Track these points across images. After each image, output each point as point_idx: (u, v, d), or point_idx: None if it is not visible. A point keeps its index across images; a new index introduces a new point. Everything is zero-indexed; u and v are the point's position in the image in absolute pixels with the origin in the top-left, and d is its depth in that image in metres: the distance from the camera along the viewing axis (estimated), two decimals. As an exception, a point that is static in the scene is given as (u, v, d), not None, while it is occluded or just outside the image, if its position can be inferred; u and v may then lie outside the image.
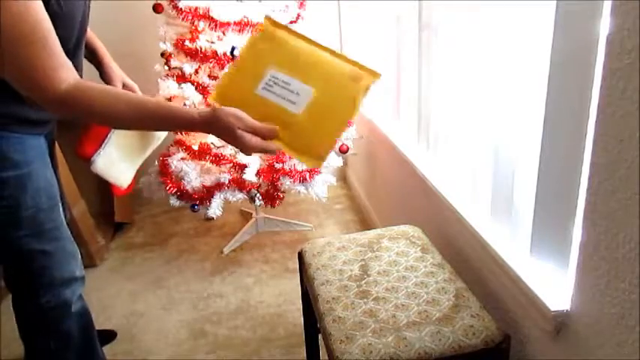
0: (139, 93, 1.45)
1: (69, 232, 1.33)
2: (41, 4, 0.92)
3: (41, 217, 1.21)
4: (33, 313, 1.33)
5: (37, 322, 1.34)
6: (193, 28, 2.17)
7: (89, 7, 1.21)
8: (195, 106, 2.17)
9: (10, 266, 1.27)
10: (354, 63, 1.03)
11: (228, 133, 0.97)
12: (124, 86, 1.41)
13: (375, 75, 1.01)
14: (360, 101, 0.97)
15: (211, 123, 0.98)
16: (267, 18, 1.08)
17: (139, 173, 2.41)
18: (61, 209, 1.29)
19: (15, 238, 1.20)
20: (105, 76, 1.41)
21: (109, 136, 1.32)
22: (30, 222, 1.20)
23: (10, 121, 1.12)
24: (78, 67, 1.18)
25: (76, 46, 1.17)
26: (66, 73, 0.96)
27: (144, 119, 1.01)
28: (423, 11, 1.68)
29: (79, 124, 1.25)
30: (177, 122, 1.02)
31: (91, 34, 1.38)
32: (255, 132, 0.97)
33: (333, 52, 1.05)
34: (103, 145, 1.32)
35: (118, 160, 1.35)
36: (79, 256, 1.37)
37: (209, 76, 2.21)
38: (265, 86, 1.00)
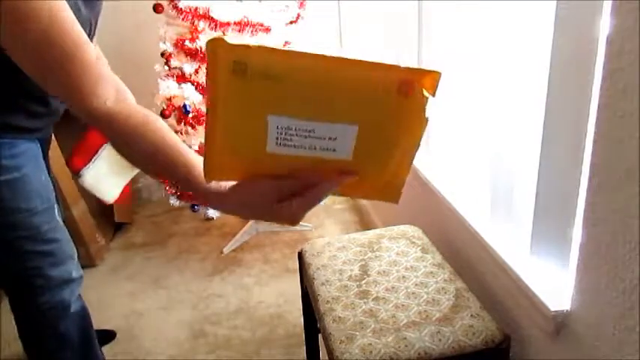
0: (132, 100, 1.44)
1: (66, 233, 1.33)
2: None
3: (36, 220, 1.21)
4: (31, 313, 1.33)
5: (35, 322, 1.34)
6: (193, 28, 2.17)
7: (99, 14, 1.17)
8: (195, 107, 2.17)
9: (6, 267, 1.27)
10: (395, 68, 0.64)
11: (258, 212, 0.72)
12: None
13: (430, 76, 0.65)
14: (423, 118, 0.66)
15: (230, 200, 0.73)
16: (214, 42, 0.62)
17: (139, 173, 2.41)
18: (56, 211, 1.28)
19: (10, 240, 1.20)
20: None
21: (100, 150, 1.31)
22: (25, 225, 1.20)
23: (1, 128, 1.12)
24: None
25: None
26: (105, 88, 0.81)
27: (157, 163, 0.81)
28: (422, 11, 1.68)
29: (78, 125, 1.25)
30: (188, 179, 0.77)
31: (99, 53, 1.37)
32: (295, 194, 0.69)
33: (351, 64, 0.64)
34: (93, 160, 1.31)
35: (107, 175, 1.34)
36: (77, 257, 1.37)
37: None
38: (278, 141, 0.66)
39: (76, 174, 1.32)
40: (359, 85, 0.64)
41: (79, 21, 1.02)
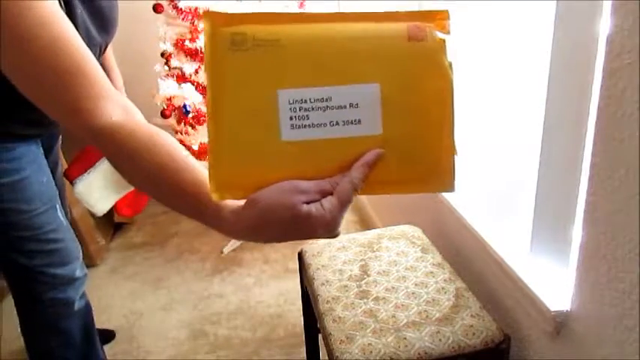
0: (141, 118, 1.42)
1: (71, 233, 1.34)
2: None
3: (39, 221, 1.22)
4: (36, 310, 1.33)
5: (39, 320, 1.34)
6: (193, 28, 2.17)
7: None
8: (195, 107, 2.17)
9: (11, 265, 1.27)
10: (399, 15, 0.59)
11: (283, 220, 0.57)
12: None
13: (439, 16, 0.59)
14: (444, 62, 0.58)
15: (247, 214, 0.59)
16: (210, 14, 0.58)
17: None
18: (59, 210, 1.29)
19: (14, 239, 1.21)
20: None
21: (98, 162, 1.31)
22: (28, 226, 1.20)
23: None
24: None
25: None
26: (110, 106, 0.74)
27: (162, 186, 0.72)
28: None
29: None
30: (199, 199, 0.65)
31: (112, 64, 1.37)
32: (324, 193, 0.57)
33: (354, 17, 0.60)
34: (88, 171, 1.31)
35: (99, 188, 1.34)
36: (81, 255, 1.37)
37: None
38: (293, 122, 0.56)
39: (71, 182, 1.32)
40: (368, 38, 0.58)
41: (90, 43, 1.01)
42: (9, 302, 1.39)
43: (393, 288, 1.18)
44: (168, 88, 2.17)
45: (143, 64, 2.37)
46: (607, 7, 0.75)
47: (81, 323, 1.41)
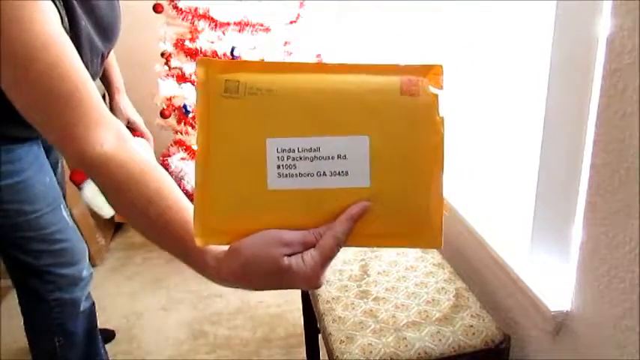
0: (143, 128, 1.39)
1: (77, 233, 1.34)
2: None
3: (43, 222, 1.22)
4: (42, 310, 1.33)
5: (44, 319, 1.35)
6: (193, 28, 2.17)
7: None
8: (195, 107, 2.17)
9: (18, 265, 1.27)
10: (393, 68, 0.60)
11: (265, 271, 0.57)
12: (128, 123, 1.39)
13: (433, 70, 0.60)
14: (437, 118, 0.58)
15: (229, 264, 0.59)
16: (203, 61, 0.58)
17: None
18: (64, 210, 1.29)
19: (19, 240, 1.21)
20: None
21: None
22: (33, 227, 1.20)
23: None
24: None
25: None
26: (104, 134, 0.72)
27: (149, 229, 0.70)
28: (423, 11, 1.68)
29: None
30: (185, 239, 0.64)
31: (112, 62, 1.36)
32: (307, 245, 0.57)
33: (348, 68, 0.60)
34: None
35: None
36: (87, 255, 1.38)
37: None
38: (280, 171, 0.56)
39: (77, 187, 1.31)
40: (360, 90, 0.58)
41: (92, 53, 1.01)
42: (9, 302, 1.39)
43: (393, 288, 1.18)
44: (168, 88, 2.17)
45: (143, 64, 2.36)
46: (607, 7, 0.75)
47: (85, 323, 1.41)
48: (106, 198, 0.72)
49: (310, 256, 0.56)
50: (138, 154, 0.72)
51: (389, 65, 0.59)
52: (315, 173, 0.56)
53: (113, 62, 1.39)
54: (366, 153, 0.57)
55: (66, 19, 0.85)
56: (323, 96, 0.58)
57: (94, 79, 1.10)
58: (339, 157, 0.56)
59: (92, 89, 0.74)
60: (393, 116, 0.58)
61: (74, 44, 0.76)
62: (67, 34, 0.79)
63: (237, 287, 0.61)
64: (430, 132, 0.58)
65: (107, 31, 1.06)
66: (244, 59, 0.58)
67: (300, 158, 0.56)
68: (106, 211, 1.34)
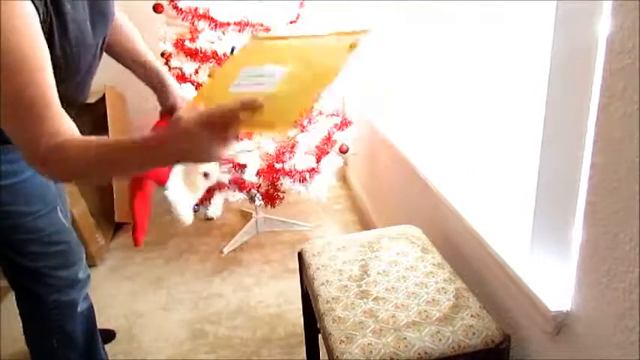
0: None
1: (73, 234, 1.34)
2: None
3: (41, 223, 1.22)
4: (40, 312, 1.33)
5: (42, 321, 1.35)
6: (193, 28, 2.17)
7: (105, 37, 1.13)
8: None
9: (15, 267, 1.27)
10: (341, 32, 0.93)
11: (185, 135, 0.74)
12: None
13: (360, 33, 0.91)
14: (343, 59, 0.86)
15: (164, 133, 0.79)
16: (254, 37, 1.02)
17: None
18: (60, 212, 1.28)
19: (17, 242, 1.21)
20: (168, 102, 1.25)
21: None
22: (30, 228, 1.20)
23: None
24: (84, 93, 1.16)
25: (85, 77, 1.12)
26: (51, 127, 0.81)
27: (105, 163, 0.83)
28: (422, 11, 1.68)
29: (78, 126, 1.23)
30: (137, 149, 0.81)
31: (141, 47, 1.26)
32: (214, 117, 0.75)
33: (322, 35, 0.96)
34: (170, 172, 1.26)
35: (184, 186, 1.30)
36: (84, 257, 1.38)
37: (209, 76, 2.21)
38: (238, 83, 0.90)
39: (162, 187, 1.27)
40: (311, 42, 0.99)
41: (84, 46, 1.03)
42: (9, 302, 1.39)
43: (393, 288, 1.18)
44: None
45: (143, 64, 2.36)
46: (607, 7, 0.75)
47: (84, 324, 1.41)
48: (77, 177, 0.94)
49: (191, 115, 0.74)
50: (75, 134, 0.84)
51: (342, 31, 0.94)
52: (252, 83, 0.89)
53: (126, 25, 1.28)
54: (283, 74, 0.87)
55: (50, 6, 0.87)
56: (286, 47, 1.01)
57: (90, 64, 1.11)
58: (268, 76, 0.88)
59: (51, 94, 0.82)
60: (316, 56, 0.92)
61: (59, 29, 0.89)
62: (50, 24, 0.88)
63: (178, 158, 0.81)
64: (334, 68, 0.85)
65: (100, 17, 1.06)
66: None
67: (250, 77, 0.91)
68: (186, 216, 1.31)
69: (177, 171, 1.22)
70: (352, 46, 0.89)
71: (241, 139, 1.14)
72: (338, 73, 0.84)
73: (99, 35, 1.08)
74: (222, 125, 0.74)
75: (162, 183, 1.24)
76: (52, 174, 0.86)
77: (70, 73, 1.02)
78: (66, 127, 0.83)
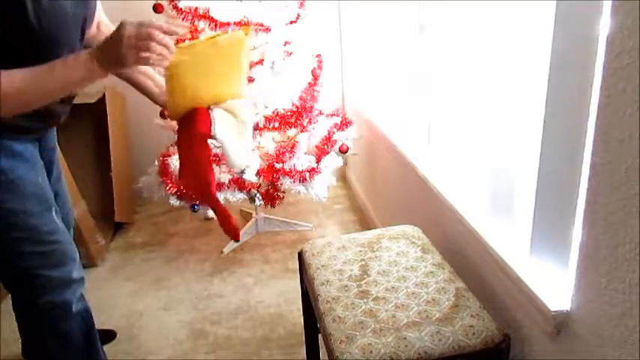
0: None
1: (67, 235, 1.33)
2: None
3: (33, 222, 1.21)
4: (33, 313, 1.33)
5: (37, 322, 1.34)
6: (193, 28, 2.17)
7: (91, 9, 1.23)
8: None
9: (8, 267, 1.27)
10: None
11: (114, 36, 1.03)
12: None
13: (246, 30, 1.31)
14: (242, 47, 1.28)
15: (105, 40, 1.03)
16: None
17: (140, 173, 2.41)
18: (54, 213, 1.28)
19: (9, 241, 1.20)
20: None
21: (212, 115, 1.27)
22: (22, 226, 1.20)
23: None
24: None
25: (73, 50, 1.16)
26: None
27: (42, 81, 1.00)
28: (422, 11, 1.68)
29: (79, 126, 1.24)
30: (70, 64, 1.02)
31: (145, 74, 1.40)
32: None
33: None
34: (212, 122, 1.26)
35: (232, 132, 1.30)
36: (78, 258, 1.37)
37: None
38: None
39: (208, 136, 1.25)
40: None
41: (66, 20, 1.09)
42: (9, 302, 1.38)
43: (393, 288, 1.18)
44: (168, 88, 2.16)
45: (143, 64, 2.36)
46: (607, 7, 0.75)
47: (80, 325, 1.40)
48: (17, 107, 1.03)
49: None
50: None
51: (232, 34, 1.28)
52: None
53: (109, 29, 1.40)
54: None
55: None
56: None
57: (73, 34, 1.17)
58: None
59: None
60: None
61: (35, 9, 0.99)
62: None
63: (114, 60, 1.05)
64: (232, 49, 1.26)
65: None
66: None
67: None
68: (239, 162, 1.31)
69: (219, 117, 1.26)
70: (243, 37, 1.25)
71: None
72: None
73: (82, 8, 1.14)
74: (138, 35, 1.02)
75: (208, 134, 1.25)
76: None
77: (52, 43, 1.07)
78: None
